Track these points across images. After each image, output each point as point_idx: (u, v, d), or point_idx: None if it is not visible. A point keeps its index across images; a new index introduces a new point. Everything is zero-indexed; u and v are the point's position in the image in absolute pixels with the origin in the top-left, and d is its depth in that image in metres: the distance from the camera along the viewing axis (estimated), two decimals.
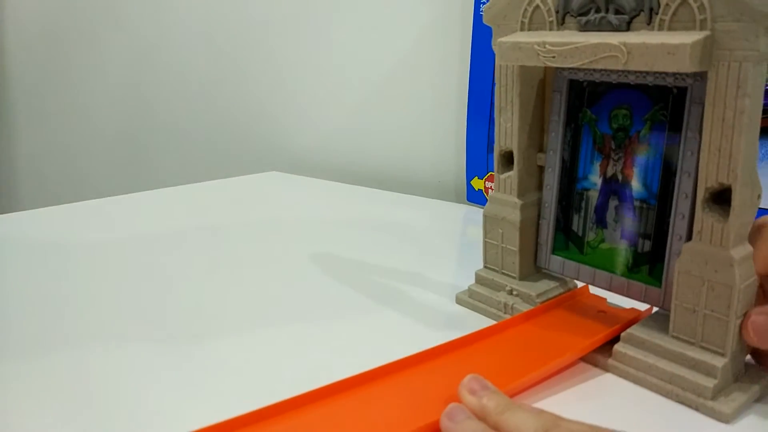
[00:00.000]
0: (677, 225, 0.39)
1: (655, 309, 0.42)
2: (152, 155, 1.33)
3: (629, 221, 0.42)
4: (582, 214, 0.45)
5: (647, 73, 0.39)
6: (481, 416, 0.33)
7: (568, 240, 0.46)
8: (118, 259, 0.61)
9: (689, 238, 0.37)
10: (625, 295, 0.43)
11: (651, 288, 0.41)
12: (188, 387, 0.39)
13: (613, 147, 0.42)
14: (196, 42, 1.19)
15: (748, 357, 0.38)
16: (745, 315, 0.36)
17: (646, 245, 0.41)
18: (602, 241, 0.43)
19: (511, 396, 0.37)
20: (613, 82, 0.41)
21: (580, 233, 0.45)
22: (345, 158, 1.03)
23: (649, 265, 0.41)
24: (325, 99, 1.04)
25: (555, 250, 0.47)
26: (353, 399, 0.35)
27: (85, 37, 1.36)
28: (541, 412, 0.33)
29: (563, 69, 0.44)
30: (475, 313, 0.49)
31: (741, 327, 0.36)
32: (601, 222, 0.43)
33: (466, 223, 0.77)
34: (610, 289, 0.43)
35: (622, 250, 0.42)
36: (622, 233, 0.42)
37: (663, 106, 0.39)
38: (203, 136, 1.23)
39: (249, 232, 0.71)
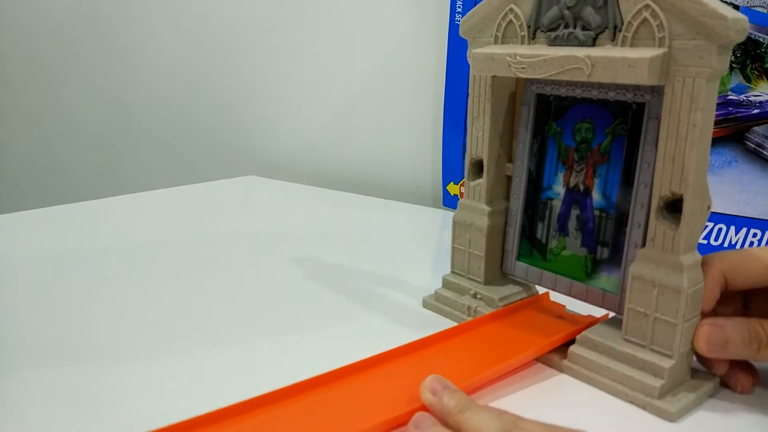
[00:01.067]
0: (633, 233, 0.40)
1: (611, 315, 0.44)
2: (129, 159, 1.33)
3: (589, 230, 0.44)
4: (546, 222, 0.46)
5: (609, 88, 0.41)
6: (441, 415, 0.34)
7: (532, 247, 0.47)
8: (93, 266, 0.61)
9: (644, 246, 0.39)
10: (584, 301, 0.44)
11: (608, 294, 0.43)
12: (169, 391, 0.39)
13: (576, 159, 0.44)
14: (173, 46, 1.20)
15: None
16: (698, 326, 0.38)
17: (605, 253, 0.43)
18: (564, 248, 0.45)
19: (472, 392, 0.38)
20: (578, 96, 0.43)
21: (543, 240, 0.47)
22: (323, 163, 1.04)
23: (606, 272, 0.43)
24: (304, 104, 1.05)
25: (520, 257, 0.48)
26: (316, 398, 0.36)
27: (62, 43, 1.36)
28: (502, 412, 0.34)
29: (531, 83, 0.46)
30: (441, 316, 0.50)
31: (693, 337, 0.38)
32: (563, 230, 0.45)
33: (442, 228, 0.78)
34: (570, 295, 0.45)
35: (582, 257, 0.44)
36: (582, 241, 0.44)
37: (623, 120, 0.41)
38: (180, 139, 1.24)
39: (226, 236, 0.72)
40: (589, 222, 0.43)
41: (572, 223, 0.44)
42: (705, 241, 0.61)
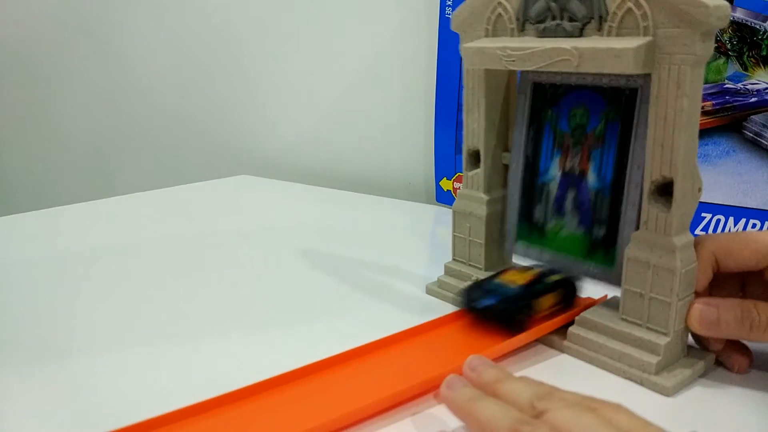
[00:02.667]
0: (628, 211, 0.42)
1: (609, 296, 0.45)
2: (122, 160, 1.34)
3: (585, 210, 0.45)
4: (543, 204, 0.47)
5: (602, 75, 0.42)
6: (480, 387, 0.35)
7: (531, 228, 0.49)
8: (86, 268, 0.61)
9: (639, 223, 0.41)
10: (584, 276, 0.46)
11: (606, 269, 0.44)
12: (168, 381, 0.41)
13: (571, 143, 0.45)
14: (165, 46, 1.20)
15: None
16: (691, 304, 0.39)
17: (601, 231, 0.44)
18: (562, 228, 0.46)
19: None
20: (573, 84, 0.45)
21: (541, 222, 0.48)
22: (315, 161, 1.05)
23: (603, 249, 0.44)
24: (295, 102, 1.05)
25: (519, 238, 0.49)
26: (327, 379, 0.39)
27: (54, 44, 1.36)
28: (539, 383, 0.35)
29: (527, 72, 0.47)
30: (444, 302, 0.52)
31: (687, 315, 0.39)
32: (560, 211, 0.46)
33: (435, 223, 0.79)
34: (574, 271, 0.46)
35: (579, 236, 0.45)
36: (579, 221, 0.45)
37: (617, 105, 0.42)
38: (172, 139, 1.24)
39: (221, 235, 0.72)
40: (584, 203, 0.45)
41: (569, 205, 0.46)
42: (703, 233, 0.62)
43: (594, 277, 0.45)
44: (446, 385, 0.35)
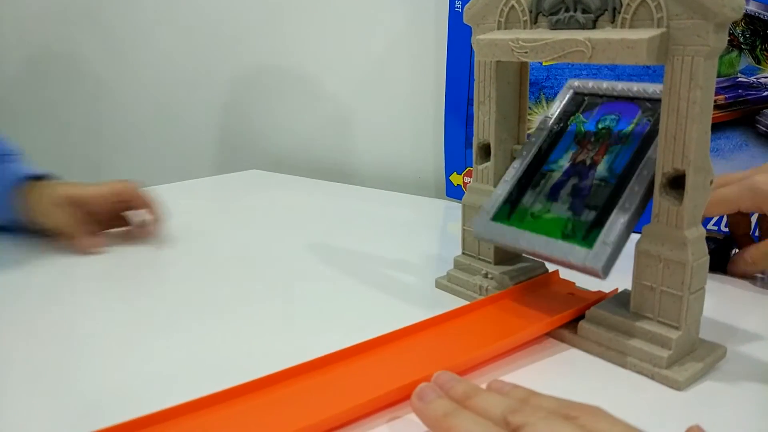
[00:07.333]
0: (626, 196, 0.41)
1: (620, 290, 0.45)
2: (132, 155, 1.35)
3: (582, 195, 0.44)
4: (537, 189, 0.47)
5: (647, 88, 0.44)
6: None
7: (511, 211, 0.47)
8: (98, 260, 0.62)
9: (636, 210, 0.41)
10: (555, 257, 0.44)
11: (581, 249, 0.42)
12: (174, 374, 0.41)
13: (592, 140, 0.45)
14: (175, 41, 1.20)
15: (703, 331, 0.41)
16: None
17: (591, 215, 0.43)
18: (548, 211, 0.45)
19: (483, 365, 0.40)
20: (616, 95, 0.45)
21: (527, 205, 0.47)
22: (325, 156, 1.05)
23: (584, 231, 0.43)
24: (305, 97, 1.06)
25: (494, 219, 0.47)
26: (335, 372, 0.38)
27: (64, 39, 1.37)
28: (513, 387, 0.34)
29: (573, 84, 0.48)
30: (454, 296, 0.51)
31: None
32: (552, 196, 0.46)
33: (445, 217, 0.79)
34: (546, 252, 0.44)
35: (564, 219, 0.44)
36: (571, 205, 0.44)
37: (651, 113, 0.43)
38: (183, 135, 1.25)
39: (230, 229, 0.73)
40: (584, 189, 0.44)
41: (566, 190, 0.45)
42: (716, 228, 0.62)
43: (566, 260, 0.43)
44: (417, 396, 0.33)
